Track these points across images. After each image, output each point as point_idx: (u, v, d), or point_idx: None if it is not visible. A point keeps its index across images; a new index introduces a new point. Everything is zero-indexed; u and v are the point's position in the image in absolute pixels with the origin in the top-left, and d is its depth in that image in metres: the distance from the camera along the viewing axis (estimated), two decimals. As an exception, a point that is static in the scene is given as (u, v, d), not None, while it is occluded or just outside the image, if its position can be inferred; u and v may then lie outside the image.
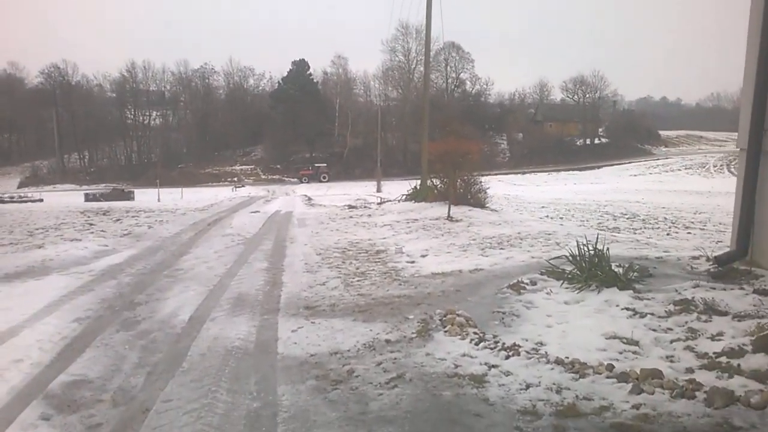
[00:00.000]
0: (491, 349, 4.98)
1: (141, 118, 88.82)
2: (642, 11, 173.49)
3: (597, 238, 7.88)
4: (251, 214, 18.76)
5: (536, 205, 26.51)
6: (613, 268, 7.02)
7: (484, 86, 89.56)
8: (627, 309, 5.92)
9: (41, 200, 28.69)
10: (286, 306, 6.96)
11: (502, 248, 10.12)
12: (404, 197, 21.75)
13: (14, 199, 28.53)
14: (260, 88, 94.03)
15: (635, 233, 15.10)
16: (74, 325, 6.31)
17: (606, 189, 42.50)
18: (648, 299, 6.16)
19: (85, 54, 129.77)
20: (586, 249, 7.44)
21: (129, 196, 39.41)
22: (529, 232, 12.10)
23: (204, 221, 16.39)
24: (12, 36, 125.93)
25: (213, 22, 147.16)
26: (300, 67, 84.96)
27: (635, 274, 6.96)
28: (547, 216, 20.11)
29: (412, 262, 9.50)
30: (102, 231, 13.49)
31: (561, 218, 19.44)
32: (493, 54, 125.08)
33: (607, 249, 7.47)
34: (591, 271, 7.07)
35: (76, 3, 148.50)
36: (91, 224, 14.65)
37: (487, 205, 18.04)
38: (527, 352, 4.83)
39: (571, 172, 70.55)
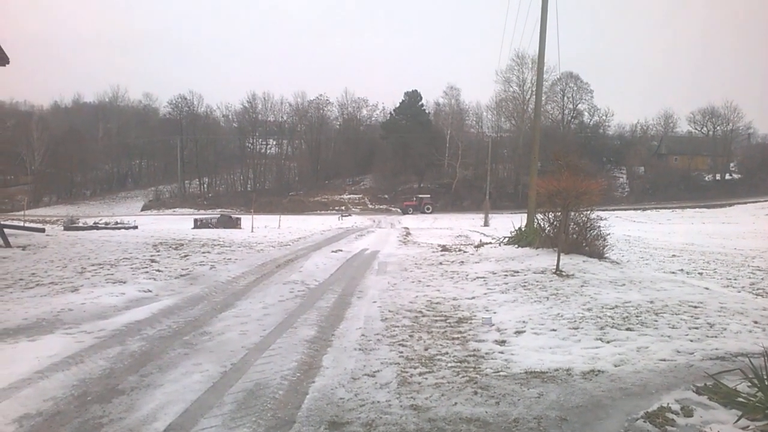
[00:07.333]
0: None
1: (258, 147, 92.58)
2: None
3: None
4: (331, 254, 16.91)
5: (664, 252, 22.68)
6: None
7: (603, 117, 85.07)
8: None
9: (135, 227, 28.50)
10: (306, 417, 4.80)
11: (629, 328, 7.39)
12: (506, 239, 19.05)
13: (108, 225, 28.56)
14: (373, 118, 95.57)
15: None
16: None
17: (743, 231, 36.89)
18: None
19: (210, 85, 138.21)
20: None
21: (236, 224, 39.41)
22: (664, 300, 9.20)
23: (275, 262, 14.71)
24: (146, 67, 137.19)
25: (330, 54, 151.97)
26: (412, 98, 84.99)
27: None
28: (682, 270, 16.61)
29: (502, 342, 7.04)
30: (158, 271, 12.14)
31: (700, 274, 15.90)
32: (614, 84, 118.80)
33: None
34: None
35: (202, 37, 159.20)
36: (152, 261, 13.42)
37: (606, 256, 15.02)
38: None
39: (697, 209, 64.18)
